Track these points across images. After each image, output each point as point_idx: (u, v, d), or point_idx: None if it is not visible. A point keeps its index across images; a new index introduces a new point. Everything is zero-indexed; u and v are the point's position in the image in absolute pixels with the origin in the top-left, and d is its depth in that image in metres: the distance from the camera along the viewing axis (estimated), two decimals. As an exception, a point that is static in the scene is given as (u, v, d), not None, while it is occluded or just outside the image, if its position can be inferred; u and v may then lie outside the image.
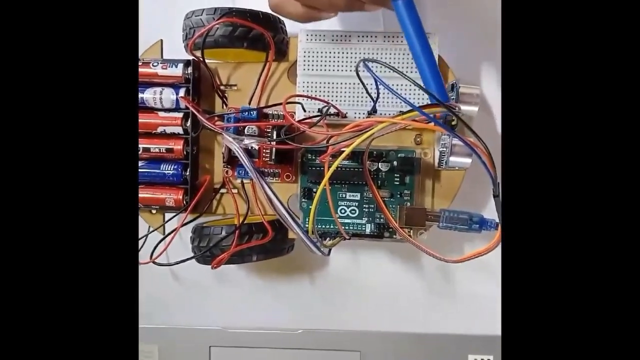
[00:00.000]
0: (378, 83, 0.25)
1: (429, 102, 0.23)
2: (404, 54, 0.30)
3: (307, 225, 0.28)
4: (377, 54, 0.30)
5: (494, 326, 0.34)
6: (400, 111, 0.26)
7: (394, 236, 0.31)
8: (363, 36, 0.30)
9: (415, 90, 0.29)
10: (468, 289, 0.35)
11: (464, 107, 0.26)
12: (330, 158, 0.28)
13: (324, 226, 0.31)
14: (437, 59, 0.29)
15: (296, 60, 0.31)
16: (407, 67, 0.30)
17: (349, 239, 0.30)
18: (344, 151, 0.25)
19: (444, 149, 0.27)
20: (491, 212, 0.26)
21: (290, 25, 0.32)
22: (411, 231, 0.30)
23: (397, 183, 0.31)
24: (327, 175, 0.25)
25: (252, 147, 0.29)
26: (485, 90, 0.34)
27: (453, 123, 0.25)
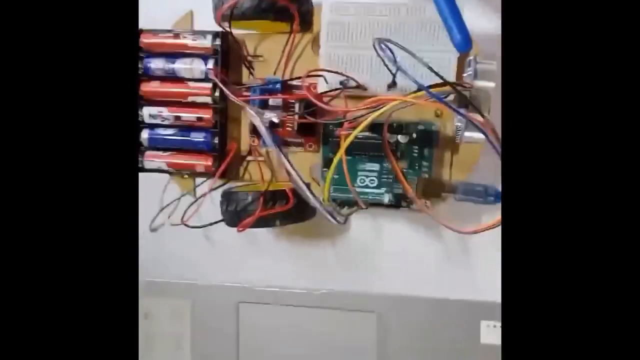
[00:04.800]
0: (395, 58, 0.26)
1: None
2: (426, 27, 0.30)
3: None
4: (400, 26, 0.30)
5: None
6: (426, 85, 0.27)
7: (412, 206, 0.32)
8: (386, 9, 0.30)
9: (438, 60, 0.30)
10: (483, 257, 0.36)
11: (480, 83, 0.26)
12: (349, 130, 0.28)
13: (343, 195, 0.32)
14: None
15: (319, 31, 0.31)
16: (430, 40, 0.30)
17: (366, 208, 0.31)
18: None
19: (459, 124, 0.28)
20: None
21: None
22: (428, 202, 0.31)
23: (416, 155, 0.31)
24: (342, 148, 0.26)
25: (272, 121, 0.30)
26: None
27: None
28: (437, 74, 0.22)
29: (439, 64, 0.29)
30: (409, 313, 0.36)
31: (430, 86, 0.23)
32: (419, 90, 0.23)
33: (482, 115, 0.22)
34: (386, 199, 0.32)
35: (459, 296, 0.36)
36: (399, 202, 0.32)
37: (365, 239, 0.38)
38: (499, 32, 0.34)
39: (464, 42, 0.26)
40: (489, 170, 0.32)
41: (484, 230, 0.28)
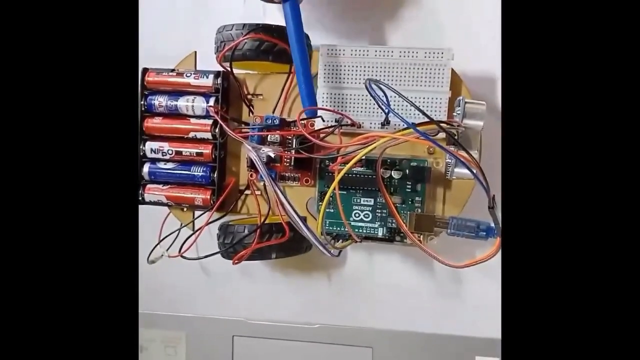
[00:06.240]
0: (387, 98, 0.27)
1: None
2: (418, 68, 0.31)
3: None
4: (392, 68, 0.31)
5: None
6: (413, 123, 0.28)
7: (405, 240, 0.32)
8: (380, 51, 0.32)
9: (431, 100, 0.31)
10: (477, 292, 0.36)
11: (469, 122, 0.27)
12: (341, 166, 0.30)
13: (338, 228, 0.33)
14: (450, 73, 0.31)
15: (317, 73, 0.33)
16: (422, 80, 0.31)
17: (360, 241, 0.32)
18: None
19: (450, 161, 0.29)
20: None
21: (314, 39, 0.35)
22: (421, 236, 0.32)
23: (409, 190, 0.32)
24: (335, 182, 0.27)
25: (269, 156, 0.31)
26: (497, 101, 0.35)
27: (456, 137, 0.26)
28: (423, 112, 0.24)
29: (432, 103, 0.31)
30: (405, 348, 0.36)
31: (420, 124, 0.24)
32: (407, 128, 0.24)
33: (468, 153, 0.23)
34: (380, 232, 0.32)
35: (453, 331, 0.36)
36: (392, 236, 0.32)
37: (360, 273, 0.38)
38: (488, 74, 0.35)
39: (310, 110, 0.29)
40: (481, 206, 0.33)
41: (475, 264, 0.28)
